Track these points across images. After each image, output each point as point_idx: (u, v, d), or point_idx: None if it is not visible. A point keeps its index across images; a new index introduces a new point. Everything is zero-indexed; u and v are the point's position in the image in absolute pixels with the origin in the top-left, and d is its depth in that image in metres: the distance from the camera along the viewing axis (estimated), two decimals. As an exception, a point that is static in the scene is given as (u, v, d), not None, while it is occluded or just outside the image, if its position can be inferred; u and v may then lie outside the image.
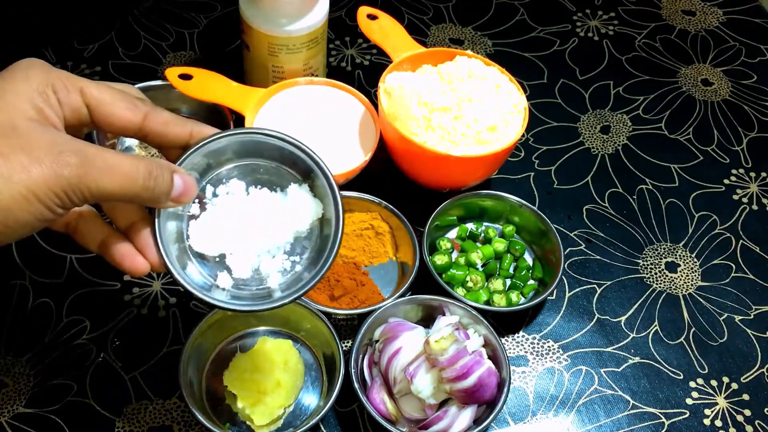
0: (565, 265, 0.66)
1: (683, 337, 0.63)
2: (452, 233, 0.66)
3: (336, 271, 0.60)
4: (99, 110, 0.40)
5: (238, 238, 0.46)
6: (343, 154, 0.65)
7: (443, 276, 0.61)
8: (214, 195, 0.47)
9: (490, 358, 0.55)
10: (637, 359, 0.61)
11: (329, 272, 0.60)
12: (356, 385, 0.53)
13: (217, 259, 0.46)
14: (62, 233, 0.44)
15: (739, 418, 0.58)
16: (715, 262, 0.68)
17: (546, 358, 0.60)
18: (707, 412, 0.59)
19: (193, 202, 0.46)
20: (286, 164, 0.48)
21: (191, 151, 0.44)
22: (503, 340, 0.61)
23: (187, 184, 0.43)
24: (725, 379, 0.61)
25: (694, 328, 0.63)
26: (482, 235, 0.66)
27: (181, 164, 0.44)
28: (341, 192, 0.49)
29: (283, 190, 0.48)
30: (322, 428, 0.55)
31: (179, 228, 0.46)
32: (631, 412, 0.58)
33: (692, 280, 0.66)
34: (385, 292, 0.61)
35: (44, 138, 0.36)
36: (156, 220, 0.43)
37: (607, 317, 0.63)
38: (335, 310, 0.57)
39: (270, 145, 0.47)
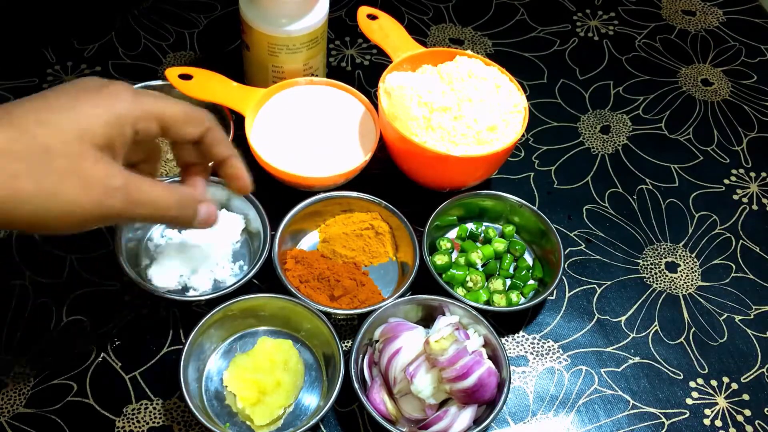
0: (565, 265, 0.66)
1: (683, 337, 0.63)
2: (452, 233, 0.66)
3: (336, 271, 0.60)
4: (170, 130, 0.46)
5: (189, 264, 0.60)
6: (343, 154, 0.65)
7: (443, 276, 0.61)
8: (156, 246, 0.61)
9: (490, 358, 0.55)
10: (637, 359, 0.61)
11: (329, 272, 0.60)
12: (356, 385, 0.53)
13: (180, 287, 0.59)
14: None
15: (739, 418, 0.59)
16: (715, 262, 0.68)
17: (546, 358, 0.60)
18: (707, 412, 0.59)
19: (144, 256, 0.60)
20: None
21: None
22: (503, 340, 0.61)
23: (210, 212, 0.49)
24: (725, 379, 0.61)
25: (694, 328, 0.63)
26: (482, 235, 0.66)
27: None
28: (340, 192, 0.64)
29: None
30: (322, 428, 0.55)
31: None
32: (631, 412, 0.58)
33: (692, 280, 0.66)
34: (385, 292, 0.61)
35: (101, 172, 0.41)
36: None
37: (607, 317, 0.63)
38: (335, 310, 0.57)
39: None
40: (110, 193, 0.41)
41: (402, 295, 0.58)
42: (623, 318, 0.63)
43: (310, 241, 0.64)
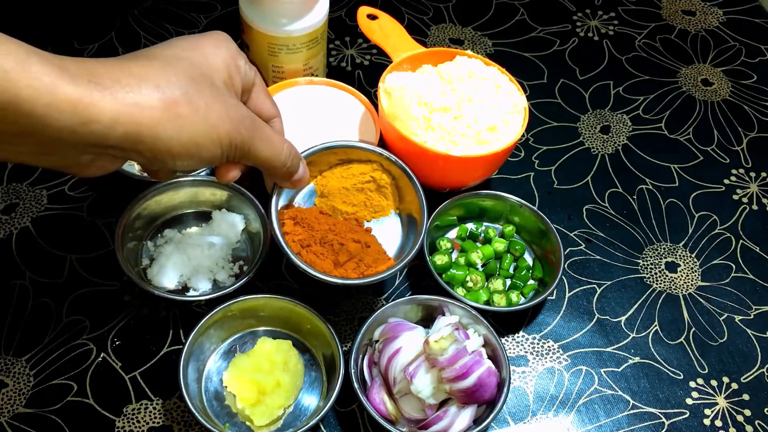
0: (565, 265, 0.66)
1: (683, 337, 0.63)
2: (452, 233, 0.66)
3: (339, 233, 0.57)
4: (255, 89, 0.50)
5: (189, 264, 0.60)
6: (343, 154, 0.64)
7: (443, 276, 0.61)
8: (156, 246, 0.61)
9: (490, 358, 0.55)
10: (637, 359, 0.61)
11: (332, 235, 0.57)
12: (356, 386, 0.53)
13: (180, 287, 0.59)
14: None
15: (739, 418, 0.59)
16: (715, 262, 0.68)
17: (546, 358, 0.60)
18: (707, 412, 0.59)
19: (144, 256, 0.61)
20: (204, 205, 0.63)
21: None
22: (503, 340, 0.61)
23: (306, 173, 0.53)
24: (725, 379, 0.61)
25: (694, 328, 0.63)
26: (482, 235, 0.66)
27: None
28: (337, 141, 0.60)
29: (207, 222, 0.63)
30: (322, 428, 0.55)
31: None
32: (631, 412, 0.58)
33: (692, 280, 0.66)
34: (389, 251, 0.59)
35: (233, 101, 0.45)
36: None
37: (607, 317, 0.63)
38: (343, 281, 0.54)
39: (182, 195, 0.62)
40: (241, 121, 0.45)
41: (409, 257, 0.57)
42: (623, 318, 0.63)
43: (305, 193, 0.61)
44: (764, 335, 0.63)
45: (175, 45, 0.44)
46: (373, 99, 0.69)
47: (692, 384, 0.60)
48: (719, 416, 0.59)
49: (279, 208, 0.57)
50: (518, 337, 0.61)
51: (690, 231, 0.69)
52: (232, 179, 0.48)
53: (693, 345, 0.62)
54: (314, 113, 0.67)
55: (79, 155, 0.40)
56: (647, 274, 0.66)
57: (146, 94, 0.39)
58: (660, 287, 0.65)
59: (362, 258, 0.57)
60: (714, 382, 0.60)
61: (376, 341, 0.57)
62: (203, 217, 0.64)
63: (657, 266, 0.67)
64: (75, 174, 0.42)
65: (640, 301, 0.64)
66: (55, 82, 0.36)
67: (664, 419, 0.58)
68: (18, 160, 0.40)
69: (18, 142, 0.38)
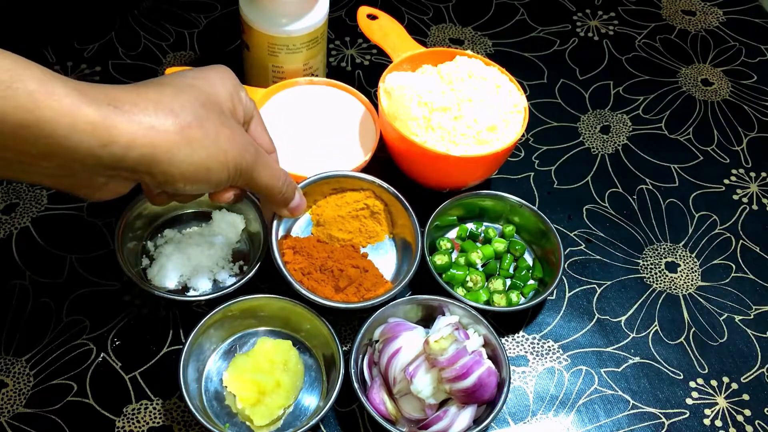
0: (565, 265, 0.66)
1: (683, 337, 0.63)
2: (452, 233, 0.66)
3: (337, 259, 0.59)
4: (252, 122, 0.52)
5: (189, 264, 0.59)
6: (343, 154, 0.65)
7: (443, 276, 0.61)
8: (156, 246, 0.61)
9: (490, 358, 0.55)
10: (637, 359, 0.61)
11: (332, 262, 0.59)
12: (356, 386, 0.53)
13: (180, 287, 0.59)
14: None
15: (739, 418, 0.59)
16: (715, 262, 0.68)
17: (546, 358, 0.60)
18: (707, 412, 0.59)
19: (144, 256, 0.60)
20: (204, 205, 0.63)
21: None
22: (503, 340, 0.61)
23: (302, 201, 0.55)
24: (725, 379, 0.61)
25: (694, 328, 0.63)
26: (482, 235, 0.66)
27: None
28: (330, 171, 0.61)
29: (207, 221, 0.63)
30: (322, 428, 0.55)
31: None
32: (631, 412, 0.58)
33: (692, 280, 0.66)
34: (386, 275, 0.60)
35: (238, 128, 0.47)
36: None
37: (607, 317, 0.63)
38: (345, 305, 0.56)
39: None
40: (247, 147, 0.47)
41: (406, 279, 0.58)
42: (623, 318, 0.63)
43: (302, 223, 0.63)
44: (764, 335, 0.63)
45: (184, 74, 0.46)
46: (373, 99, 0.69)
47: (692, 384, 0.60)
48: (719, 416, 0.59)
49: (278, 238, 0.58)
50: (518, 337, 0.61)
51: (690, 231, 0.69)
52: (225, 201, 0.49)
53: (693, 345, 0.62)
54: (314, 113, 0.67)
55: (93, 177, 0.41)
56: (647, 274, 0.66)
57: (162, 118, 0.41)
58: (660, 287, 0.65)
59: (362, 282, 0.58)
60: (714, 382, 0.60)
61: (376, 341, 0.57)
62: (203, 217, 0.64)
63: (657, 266, 0.67)
64: (86, 197, 0.43)
65: (640, 301, 0.64)
66: (76, 103, 0.37)
67: (664, 419, 0.58)
68: (34, 181, 0.41)
69: (37, 163, 0.39)
